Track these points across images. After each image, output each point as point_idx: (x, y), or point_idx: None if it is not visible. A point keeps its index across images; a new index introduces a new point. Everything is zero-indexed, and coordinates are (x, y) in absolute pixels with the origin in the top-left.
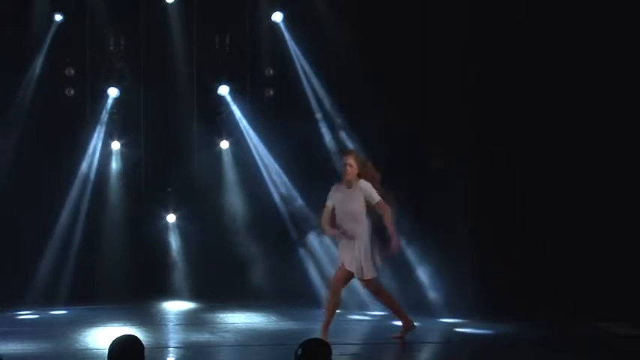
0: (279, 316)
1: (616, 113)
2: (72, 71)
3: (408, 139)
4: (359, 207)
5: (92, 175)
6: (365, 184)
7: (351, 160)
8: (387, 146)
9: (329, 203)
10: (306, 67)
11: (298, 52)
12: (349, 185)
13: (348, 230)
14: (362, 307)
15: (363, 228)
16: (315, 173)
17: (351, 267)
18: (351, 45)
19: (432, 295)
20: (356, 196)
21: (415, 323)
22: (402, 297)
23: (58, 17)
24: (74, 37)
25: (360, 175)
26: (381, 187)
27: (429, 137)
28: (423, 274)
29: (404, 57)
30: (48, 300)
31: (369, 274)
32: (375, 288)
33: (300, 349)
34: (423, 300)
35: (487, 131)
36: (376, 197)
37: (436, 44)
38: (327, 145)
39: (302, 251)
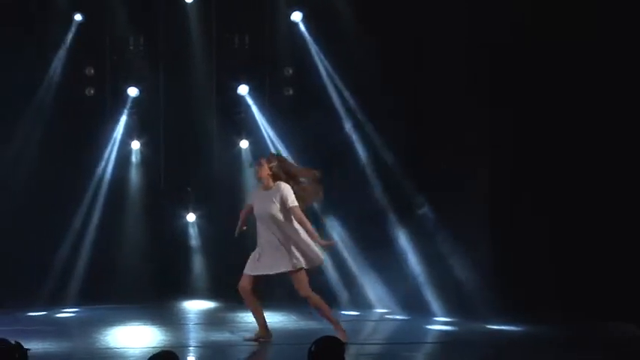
0: (298, 315)
1: (625, 111)
2: (92, 71)
3: (427, 138)
4: (273, 209)
5: (111, 175)
6: (283, 186)
7: (262, 160)
8: (407, 144)
9: (248, 202)
10: (326, 66)
11: (318, 51)
12: (266, 187)
13: (264, 233)
14: (383, 308)
15: (283, 228)
16: (334, 172)
17: (271, 269)
18: (370, 43)
19: (449, 294)
20: (271, 198)
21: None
22: (416, 296)
23: (78, 17)
24: (94, 37)
25: (276, 177)
26: (314, 182)
27: (446, 135)
28: (440, 273)
29: (427, 54)
30: (67, 299)
31: (301, 264)
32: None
33: (313, 346)
34: (439, 299)
35: (504, 130)
36: (291, 203)
37: (454, 41)
38: (346, 144)
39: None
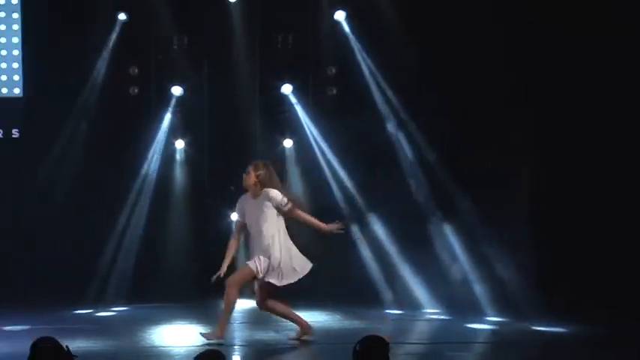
0: (343, 314)
1: None
2: (136, 70)
3: (470, 136)
4: (264, 217)
5: (156, 174)
6: (273, 193)
7: (249, 168)
8: (451, 143)
9: (238, 218)
10: (369, 65)
11: (361, 50)
12: (254, 195)
13: (256, 244)
14: (427, 307)
15: (270, 240)
16: (377, 171)
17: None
18: (413, 42)
19: (492, 294)
20: (261, 206)
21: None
22: (460, 296)
23: (122, 17)
24: (138, 37)
25: (263, 185)
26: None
27: (490, 134)
28: (483, 272)
29: (469, 54)
30: (113, 298)
31: (287, 280)
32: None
33: (358, 345)
34: (482, 299)
35: (548, 128)
36: (286, 204)
37: (497, 40)
38: (390, 143)
39: (364, 249)
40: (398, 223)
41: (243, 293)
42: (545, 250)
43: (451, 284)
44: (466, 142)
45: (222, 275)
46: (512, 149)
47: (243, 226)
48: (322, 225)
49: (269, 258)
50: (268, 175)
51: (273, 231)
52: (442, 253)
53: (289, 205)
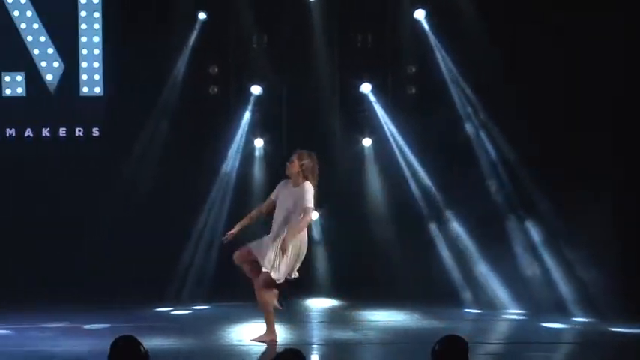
0: (422, 314)
1: None
2: (216, 69)
3: (551, 137)
4: (294, 209)
5: (235, 173)
6: (308, 187)
7: (293, 157)
8: (531, 145)
9: (272, 196)
10: (449, 64)
11: (441, 49)
12: (294, 184)
13: (276, 230)
14: (506, 307)
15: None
16: (457, 170)
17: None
18: (494, 41)
19: (572, 294)
20: (295, 197)
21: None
22: (539, 296)
23: (202, 16)
24: (218, 36)
25: (306, 174)
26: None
27: (571, 135)
28: (562, 273)
29: (549, 54)
30: (192, 296)
31: (277, 276)
32: (266, 286)
33: (437, 345)
34: (562, 300)
35: (631, 129)
36: (306, 203)
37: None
38: (469, 142)
39: (444, 249)
40: (477, 222)
41: (318, 292)
42: (626, 250)
43: (530, 284)
44: (545, 142)
45: (232, 236)
46: (594, 150)
47: (271, 205)
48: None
49: (280, 249)
50: (311, 166)
51: (293, 222)
52: (521, 253)
53: (308, 205)
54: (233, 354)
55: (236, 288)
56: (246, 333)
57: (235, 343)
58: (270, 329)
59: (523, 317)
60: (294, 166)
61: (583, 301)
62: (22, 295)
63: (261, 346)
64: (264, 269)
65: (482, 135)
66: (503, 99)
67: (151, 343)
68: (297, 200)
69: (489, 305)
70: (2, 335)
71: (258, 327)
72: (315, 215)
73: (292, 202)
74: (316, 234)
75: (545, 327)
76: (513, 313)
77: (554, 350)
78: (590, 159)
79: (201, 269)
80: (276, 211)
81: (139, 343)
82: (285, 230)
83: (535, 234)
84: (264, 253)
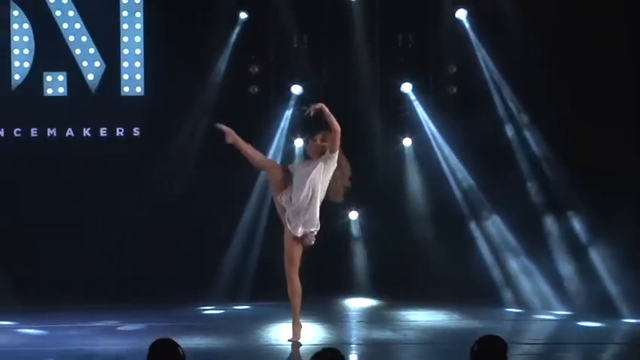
0: (461, 314)
1: None
2: (256, 69)
3: (594, 139)
4: (314, 173)
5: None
6: (325, 156)
7: (317, 136)
8: (573, 145)
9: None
10: (490, 65)
11: (482, 49)
12: (313, 158)
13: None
14: (547, 307)
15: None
16: (497, 170)
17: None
18: (536, 41)
19: (615, 294)
20: (313, 166)
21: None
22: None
23: (243, 15)
24: (258, 35)
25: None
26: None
27: (612, 137)
28: (609, 272)
29: (592, 53)
30: (231, 296)
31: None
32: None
33: (475, 345)
34: (605, 299)
35: None
36: (333, 156)
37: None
38: (510, 143)
39: (485, 249)
40: (517, 222)
41: (357, 292)
42: None
43: (572, 283)
44: (588, 142)
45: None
46: (634, 152)
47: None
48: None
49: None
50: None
51: (316, 186)
52: (562, 252)
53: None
54: (271, 354)
55: (276, 288)
56: (285, 332)
57: (273, 342)
58: (296, 319)
59: (564, 317)
60: (316, 146)
61: (626, 301)
62: (61, 295)
63: (301, 346)
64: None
65: (524, 135)
66: (544, 98)
67: (189, 342)
68: (318, 168)
69: (529, 305)
70: (41, 335)
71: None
72: (354, 215)
73: (312, 170)
74: (356, 233)
75: (587, 327)
76: (554, 313)
77: (598, 351)
78: (631, 161)
79: (241, 269)
80: (294, 190)
81: (177, 346)
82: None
83: (576, 233)
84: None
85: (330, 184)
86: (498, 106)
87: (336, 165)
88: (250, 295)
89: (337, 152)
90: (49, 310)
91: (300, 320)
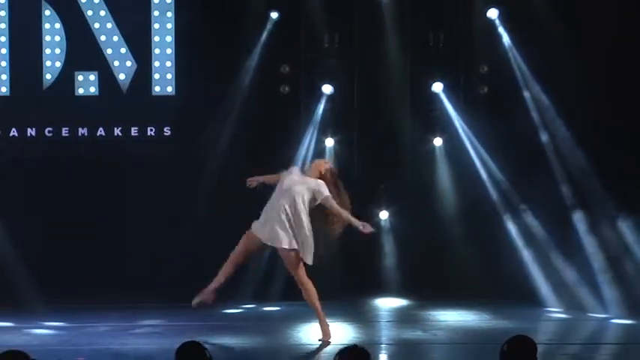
0: (492, 314)
1: None
2: (286, 69)
3: (629, 140)
4: (302, 190)
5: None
6: (321, 182)
7: (321, 162)
8: (605, 146)
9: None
10: (522, 65)
11: (513, 49)
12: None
13: (277, 205)
14: (580, 307)
15: (298, 212)
16: (529, 171)
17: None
18: (567, 40)
19: None
20: (306, 181)
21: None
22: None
23: (274, 15)
24: (289, 35)
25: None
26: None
27: None
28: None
29: (624, 53)
30: (262, 296)
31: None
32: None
33: (505, 345)
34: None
35: None
36: (326, 193)
37: None
38: (542, 143)
39: (517, 248)
40: (549, 221)
41: (387, 292)
42: None
43: (606, 284)
44: (617, 143)
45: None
46: None
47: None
48: (356, 222)
49: (279, 223)
50: (330, 178)
51: (299, 206)
52: (596, 253)
53: (328, 194)
54: (301, 354)
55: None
56: (315, 332)
57: (304, 342)
58: (323, 319)
59: (598, 317)
60: (315, 170)
61: None
62: (92, 294)
63: (331, 346)
64: (285, 246)
65: (555, 135)
66: (575, 98)
67: (219, 342)
68: (307, 187)
69: (563, 305)
70: (72, 333)
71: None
72: (384, 214)
73: (301, 185)
74: (386, 233)
75: (622, 326)
76: (588, 312)
77: (632, 351)
78: None
79: (272, 268)
80: (276, 194)
81: (204, 349)
82: (298, 213)
83: (608, 233)
84: (277, 236)
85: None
86: (530, 105)
87: (318, 197)
88: (280, 295)
89: (327, 195)
90: (80, 309)
91: (327, 320)
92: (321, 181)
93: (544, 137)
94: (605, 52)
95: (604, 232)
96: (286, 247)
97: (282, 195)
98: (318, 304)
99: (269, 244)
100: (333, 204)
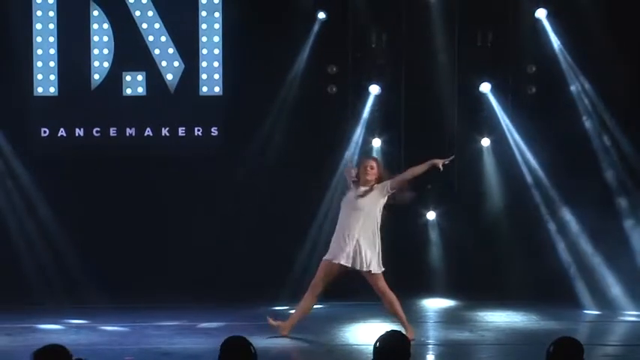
0: (540, 315)
1: None
2: (334, 69)
3: None
4: (374, 204)
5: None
6: (376, 185)
7: (373, 163)
8: None
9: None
10: (570, 64)
11: (562, 49)
12: (365, 184)
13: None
14: (627, 309)
15: (373, 227)
16: (578, 172)
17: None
18: (615, 39)
19: None
20: (374, 194)
21: None
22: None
23: (322, 15)
24: (336, 35)
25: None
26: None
27: None
28: None
29: None
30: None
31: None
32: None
33: (551, 346)
34: None
35: None
36: (387, 183)
37: None
38: (591, 144)
39: (562, 250)
40: (596, 223)
41: (434, 292)
42: None
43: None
44: None
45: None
46: None
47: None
48: (432, 162)
49: (366, 246)
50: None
51: (373, 221)
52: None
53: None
54: (346, 353)
55: (351, 288)
56: (360, 333)
57: (351, 342)
58: (405, 321)
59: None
60: (375, 173)
61: None
62: (140, 294)
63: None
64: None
65: (603, 135)
66: (623, 98)
67: (265, 341)
68: (377, 197)
69: (609, 306)
70: (120, 332)
71: (372, 327)
72: (432, 215)
73: (372, 200)
74: (433, 234)
75: None
76: (634, 314)
77: None
78: None
79: (316, 269)
80: (346, 214)
81: (249, 344)
82: (373, 229)
83: None
84: (367, 260)
85: None
86: (579, 106)
87: (387, 192)
88: (325, 294)
89: (389, 181)
90: (128, 309)
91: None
92: (375, 184)
93: (593, 136)
94: None
95: None
96: (378, 271)
97: (353, 217)
98: (401, 312)
99: (357, 268)
100: (397, 178)
